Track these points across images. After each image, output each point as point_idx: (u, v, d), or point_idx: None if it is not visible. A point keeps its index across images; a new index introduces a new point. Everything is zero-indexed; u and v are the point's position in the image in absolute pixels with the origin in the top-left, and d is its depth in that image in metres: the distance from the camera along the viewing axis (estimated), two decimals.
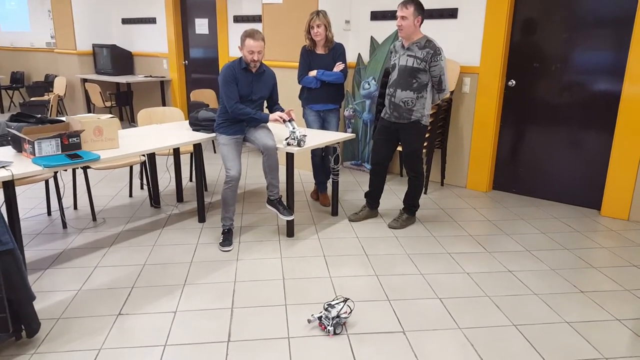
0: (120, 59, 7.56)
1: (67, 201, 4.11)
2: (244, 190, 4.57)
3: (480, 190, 4.67)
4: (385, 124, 3.59)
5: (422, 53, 3.33)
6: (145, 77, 7.26)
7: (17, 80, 9.55)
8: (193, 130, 3.80)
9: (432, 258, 3.18)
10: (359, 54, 5.23)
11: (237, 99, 3.28)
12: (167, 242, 3.37)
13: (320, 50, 3.91)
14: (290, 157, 3.31)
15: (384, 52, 5.05)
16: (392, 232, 3.61)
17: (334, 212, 3.93)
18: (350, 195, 4.46)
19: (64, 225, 3.64)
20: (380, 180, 3.78)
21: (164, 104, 7.31)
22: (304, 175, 5.02)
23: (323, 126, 4.07)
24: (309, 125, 4.03)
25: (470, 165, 4.69)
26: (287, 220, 3.43)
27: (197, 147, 3.65)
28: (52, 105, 5.47)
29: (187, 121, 3.90)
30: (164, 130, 3.79)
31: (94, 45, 7.68)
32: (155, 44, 7.33)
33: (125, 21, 7.67)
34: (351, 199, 4.35)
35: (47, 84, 8.31)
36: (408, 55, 3.38)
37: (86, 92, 7.31)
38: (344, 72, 3.89)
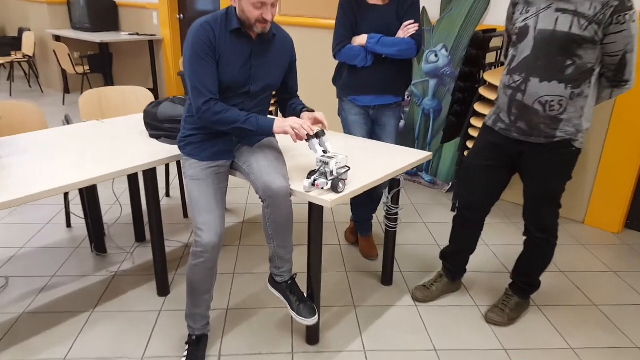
0: (100, 11, 5.90)
1: None
2: (242, 218, 2.99)
3: (606, 230, 3.01)
4: (494, 140, 1.94)
5: (591, 6, 1.64)
6: (130, 34, 5.63)
7: None
8: (151, 136, 2.22)
9: None
10: (423, 8, 3.49)
11: (212, 93, 1.66)
12: (87, 353, 1.85)
13: None
14: (316, 211, 1.70)
15: (463, 8, 3.30)
16: (494, 333, 2.02)
17: (387, 280, 2.34)
18: (403, 233, 2.85)
19: None
20: (472, 236, 2.16)
21: (154, 72, 5.70)
22: None
23: (373, 132, 2.43)
24: (349, 130, 2.39)
25: (595, 192, 3.00)
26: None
27: (152, 171, 2.05)
28: None
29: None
30: (105, 134, 2.22)
31: None
32: None
33: None
34: (405, 242, 2.74)
35: (17, 41, 6.75)
36: (559, 11, 1.68)
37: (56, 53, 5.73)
38: (417, 37, 2.21)
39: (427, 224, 2.99)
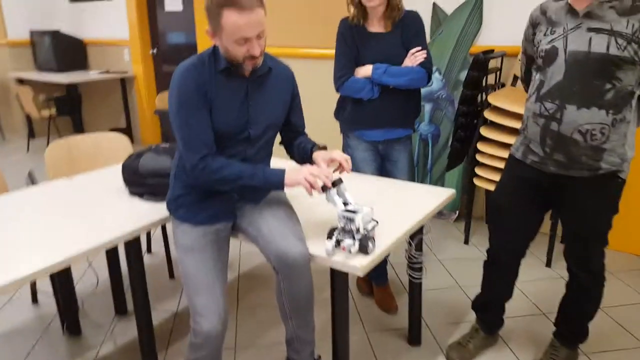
0: (67, 50, 5.58)
1: None
2: (237, 272, 2.68)
3: (631, 253, 2.81)
4: (526, 175, 1.70)
5: (628, 24, 1.44)
6: (99, 73, 5.32)
7: None
8: (131, 193, 1.92)
9: None
10: None
11: (208, 147, 1.39)
12: None
13: (375, 26, 2.00)
14: (340, 279, 1.42)
15: (454, 29, 3.14)
16: None
17: (414, 339, 2.04)
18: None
19: None
20: (508, 283, 1.91)
21: (127, 112, 5.38)
22: None
23: (383, 168, 2.18)
24: (356, 168, 2.13)
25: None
26: None
27: (135, 242, 1.73)
28: None
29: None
30: (76, 195, 1.91)
31: (32, 32, 5.71)
32: (113, 28, 5.37)
33: None
34: (423, 285, 2.46)
35: None
36: (592, 30, 1.48)
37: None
38: (428, 65, 1.99)
39: (442, 261, 2.73)
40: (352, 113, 2.07)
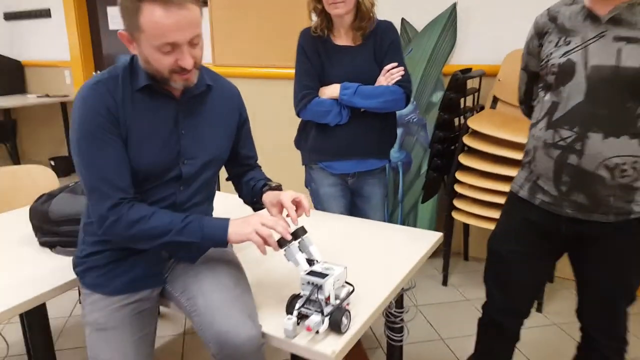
0: (2, 72, 5.09)
1: None
2: (182, 327, 2.27)
3: None
4: (534, 219, 1.37)
5: None
6: (38, 97, 4.84)
7: None
8: (41, 244, 1.52)
9: None
10: None
11: (122, 191, 1.02)
12: None
13: (343, 38, 1.71)
14: None
15: (425, 48, 2.91)
16: None
17: None
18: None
19: None
20: (508, 347, 1.59)
21: (68, 139, 4.89)
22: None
23: (353, 205, 1.86)
24: (322, 206, 1.80)
25: None
26: None
27: (40, 310, 1.33)
28: None
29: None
30: None
31: None
32: (53, 48, 4.92)
33: (10, 16, 5.22)
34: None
35: None
36: (620, 40, 1.20)
37: None
38: (405, 84, 1.70)
39: (419, 308, 2.41)
40: (316, 141, 1.75)
